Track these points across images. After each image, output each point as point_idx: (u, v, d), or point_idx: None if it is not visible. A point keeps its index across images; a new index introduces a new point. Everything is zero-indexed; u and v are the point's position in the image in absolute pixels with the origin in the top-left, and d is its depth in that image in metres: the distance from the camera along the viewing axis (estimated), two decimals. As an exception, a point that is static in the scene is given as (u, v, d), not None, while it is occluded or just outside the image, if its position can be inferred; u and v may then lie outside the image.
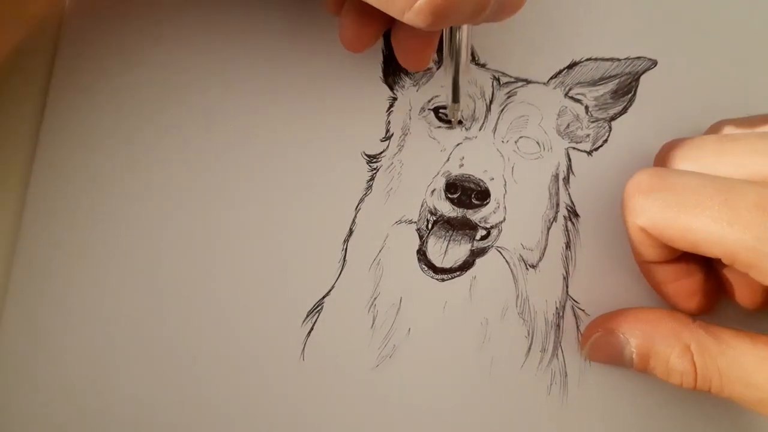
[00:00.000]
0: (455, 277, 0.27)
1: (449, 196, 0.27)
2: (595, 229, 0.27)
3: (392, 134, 0.28)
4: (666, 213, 0.21)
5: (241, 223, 0.27)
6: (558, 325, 0.26)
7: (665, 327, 0.23)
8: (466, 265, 0.27)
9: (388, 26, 0.26)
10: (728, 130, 0.25)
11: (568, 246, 0.27)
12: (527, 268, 0.27)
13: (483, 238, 0.27)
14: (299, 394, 0.26)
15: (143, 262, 0.27)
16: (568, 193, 0.27)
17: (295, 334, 0.26)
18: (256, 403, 0.25)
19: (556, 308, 0.26)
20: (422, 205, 0.27)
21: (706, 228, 0.21)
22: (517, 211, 0.27)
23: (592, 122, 0.28)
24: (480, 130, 0.28)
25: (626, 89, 0.28)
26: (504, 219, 0.27)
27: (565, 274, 0.27)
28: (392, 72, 0.29)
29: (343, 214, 0.27)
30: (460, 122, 0.28)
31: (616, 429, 0.25)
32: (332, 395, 0.26)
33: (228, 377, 0.26)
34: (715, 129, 0.26)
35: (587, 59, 0.29)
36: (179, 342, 0.26)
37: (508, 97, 0.28)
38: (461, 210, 0.27)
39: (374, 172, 0.28)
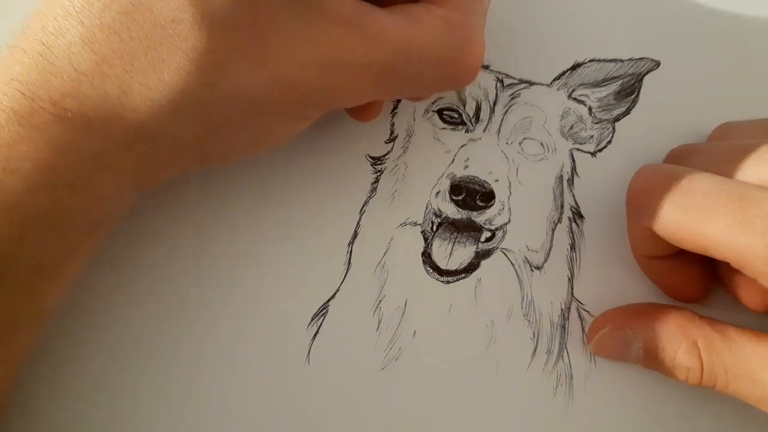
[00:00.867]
0: (460, 279, 0.26)
1: (454, 197, 0.27)
2: (599, 230, 0.27)
3: (396, 136, 0.28)
4: (676, 216, 0.21)
5: (245, 226, 0.27)
6: (563, 327, 0.26)
7: (672, 323, 0.23)
8: (471, 267, 0.26)
9: None
10: (734, 134, 0.25)
11: (572, 247, 0.27)
12: (532, 270, 0.27)
13: (488, 239, 0.27)
14: (305, 397, 0.25)
15: (148, 263, 0.27)
16: (573, 195, 0.27)
17: (301, 337, 0.26)
18: (262, 407, 0.25)
19: (561, 310, 0.26)
20: (427, 207, 0.27)
21: (718, 234, 0.20)
22: (522, 212, 0.27)
23: (596, 123, 0.28)
24: (484, 131, 0.28)
25: (629, 90, 0.28)
26: (509, 221, 0.27)
27: (569, 275, 0.27)
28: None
29: (347, 217, 0.27)
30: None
31: (622, 431, 0.25)
32: (338, 398, 0.25)
33: (233, 381, 0.25)
34: (720, 132, 0.26)
35: (590, 60, 0.29)
36: (185, 345, 0.26)
37: (512, 99, 0.28)
38: (466, 212, 0.27)
39: (379, 174, 0.28)
